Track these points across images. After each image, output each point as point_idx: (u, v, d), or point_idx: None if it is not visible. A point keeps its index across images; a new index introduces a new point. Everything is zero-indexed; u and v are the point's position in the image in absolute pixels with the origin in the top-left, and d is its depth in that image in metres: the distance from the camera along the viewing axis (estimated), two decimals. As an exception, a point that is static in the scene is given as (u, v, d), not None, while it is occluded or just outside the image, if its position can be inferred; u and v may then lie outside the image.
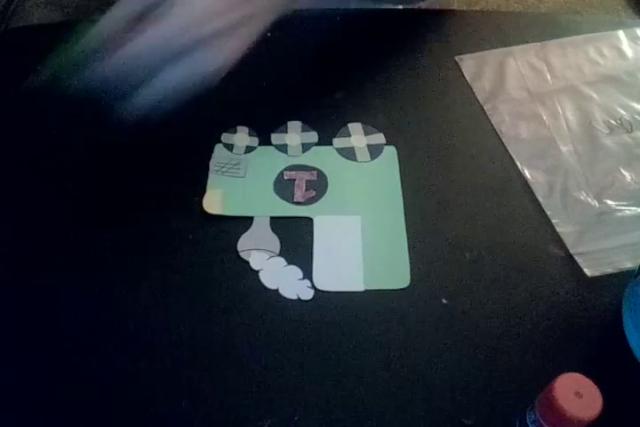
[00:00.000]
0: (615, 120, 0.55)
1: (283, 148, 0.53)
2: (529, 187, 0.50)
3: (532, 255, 0.46)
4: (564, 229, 0.48)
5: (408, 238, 0.47)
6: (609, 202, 0.49)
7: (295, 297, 0.44)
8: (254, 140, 0.53)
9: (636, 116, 0.55)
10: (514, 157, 0.52)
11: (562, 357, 0.42)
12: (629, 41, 0.61)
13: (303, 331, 0.43)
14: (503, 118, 0.55)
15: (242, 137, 0.53)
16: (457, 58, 0.60)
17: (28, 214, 0.48)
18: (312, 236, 0.47)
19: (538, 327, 0.43)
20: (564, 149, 0.53)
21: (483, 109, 0.56)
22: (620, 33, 0.62)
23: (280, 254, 0.46)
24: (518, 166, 0.52)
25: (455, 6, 0.79)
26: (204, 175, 0.50)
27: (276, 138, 0.53)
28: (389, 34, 0.61)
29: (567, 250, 0.47)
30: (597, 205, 0.49)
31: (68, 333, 0.42)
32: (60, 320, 0.43)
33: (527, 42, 0.61)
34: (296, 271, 0.45)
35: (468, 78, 0.58)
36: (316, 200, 0.49)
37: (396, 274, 0.45)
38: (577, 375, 0.32)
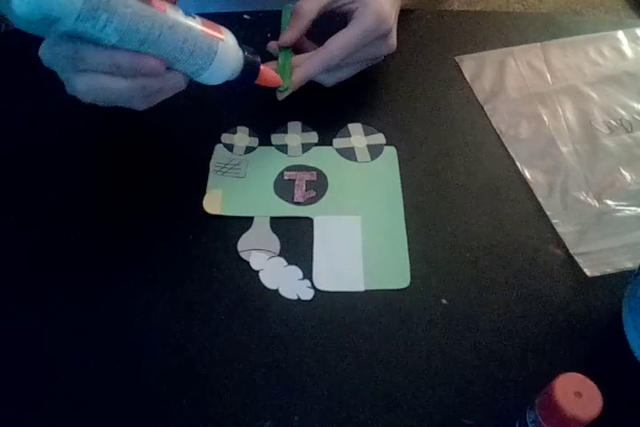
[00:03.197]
0: (615, 120, 0.55)
1: (283, 148, 0.52)
2: (529, 187, 0.50)
3: (532, 255, 0.46)
4: (564, 229, 0.48)
5: (408, 238, 0.47)
6: (609, 202, 0.49)
7: (295, 297, 0.44)
8: (254, 141, 0.53)
9: (636, 116, 0.55)
10: (514, 157, 0.52)
11: (562, 357, 0.42)
12: (629, 41, 0.61)
13: (303, 331, 0.43)
14: (503, 118, 0.55)
15: (242, 137, 0.53)
16: (457, 58, 0.60)
17: (28, 214, 0.48)
18: (312, 236, 0.47)
19: (538, 327, 0.43)
20: (563, 149, 0.53)
21: (483, 109, 0.56)
22: (620, 33, 0.62)
23: (280, 254, 0.46)
24: (518, 166, 0.52)
25: (455, 6, 0.79)
26: (204, 175, 0.50)
27: (276, 138, 0.53)
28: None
29: (567, 250, 0.47)
30: (597, 205, 0.49)
31: (67, 332, 0.42)
32: (60, 320, 0.43)
33: (527, 42, 0.61)
34: (296, 271, 0.45)
35: (468, 78, 0.58)
36: (316, 200, 0.49)
37: (396, 274, 0.45)
38: (577, 375, 0.32)
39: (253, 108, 0.55)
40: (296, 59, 0.50)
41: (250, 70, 0.44)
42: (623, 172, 0.51)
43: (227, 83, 0.43)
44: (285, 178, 0.51)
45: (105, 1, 0.35)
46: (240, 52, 0.43)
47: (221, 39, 0.41)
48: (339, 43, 0.49)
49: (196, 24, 0.40)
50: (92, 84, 0.38)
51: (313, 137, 0.53)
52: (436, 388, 0.40)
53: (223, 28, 0.42)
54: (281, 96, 0.50)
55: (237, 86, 0.44)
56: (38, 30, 0.40)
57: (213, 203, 0.49)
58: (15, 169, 0.51)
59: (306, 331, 0.43)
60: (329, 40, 0.49)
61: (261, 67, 0.45)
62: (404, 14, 0.56)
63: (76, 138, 0.53)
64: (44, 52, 0.38)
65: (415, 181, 0.51)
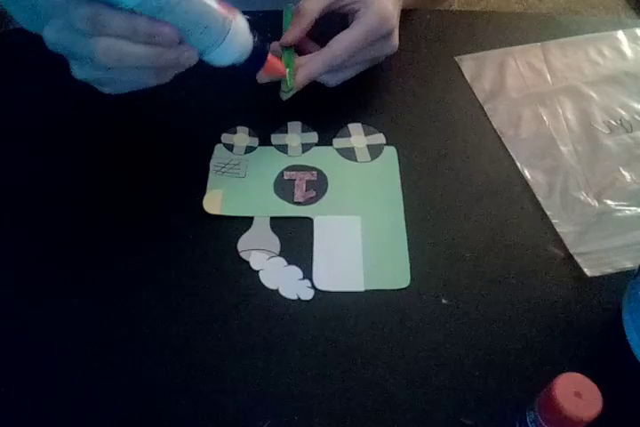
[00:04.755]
0: (615, 120, 0.55)
1: (283, 148, 0.52)
2: (529, 187, 0.50)
3: (531, 255, 0.46)
4: (564, 229, 0.48)
5: (408, 238, 0.47)
6: (609, 202, 0.49)
7: (295, 297, 0.44)
8: (254, 141, 0.53)
9: (636, 117, 0.55)
10: (514, 157, 0.52)
11: (562, 357, 0.42)
12: (629, 41, 0.61)
13: (303, 331, 0.43)
14: (503, 118, 0.55)
15: (242, 137, 0.53)
16: (457, 58, 0.60)
17: (28, 214, 0.48)
18: (312, 236, 0.47)
19: (538, 327, 0.43)
20: (563, 149, 0.53)
21: (483, 109, 0.56)
22: (620, 33, 0.62)
23: (280, 254, 0.46)
24: (518, 166, 0.52)
25: (455, 6, 0.79)
26: (204, 175, 0.50)
27: (276, 138, 0.53)
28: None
29: (567, 250, 0.47)
30: (597, 205, 0.49)
31: (67, 333, 0.42)
32: (61, 320, 0.43)
33: (527, 42, 0.61)
34: (296, 271, 0.45)
35: (468, 78, 0.58)
36: (316, 200, 0.49)
37: (396, 274, 0.45)
38: (577, 375, 0.32)
39: (253, 108, 0.55)
40: (299, 59, 0.50)
41: (258, 56, 0.44)
42: (623, 172, 0.51)
43: (233, 68, 0.43)
44: (285, 178, 0.51)
45: None
46: (250, 37, 0.43)
47: (234, 20, 0.41)
48: (342, 43, 0.49)
49: (211, 1, 0.40)
50: (110, 46, 0.38)
51: (313, 137, 0.53)
52: (436, 388, 0.40)
53: (237, 11, 0.42)
54: (285, 96, 0.50)
55: (243, 72, 0.44)
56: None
57: (213, 203, 0.49)
58: (14, 169, 0.51)
59: (306, 331, 0.43)
60: (332, 40, 0.49)
61: (269, 55, 0.45)
62: (405, 14, 0.56)
63: (76, 137, 0.53)
64: (47, 32, 0.39)
65: (415, 181, 0.51)
